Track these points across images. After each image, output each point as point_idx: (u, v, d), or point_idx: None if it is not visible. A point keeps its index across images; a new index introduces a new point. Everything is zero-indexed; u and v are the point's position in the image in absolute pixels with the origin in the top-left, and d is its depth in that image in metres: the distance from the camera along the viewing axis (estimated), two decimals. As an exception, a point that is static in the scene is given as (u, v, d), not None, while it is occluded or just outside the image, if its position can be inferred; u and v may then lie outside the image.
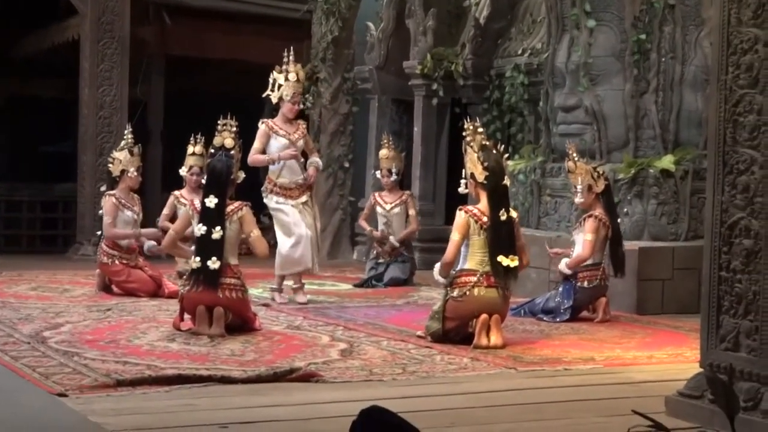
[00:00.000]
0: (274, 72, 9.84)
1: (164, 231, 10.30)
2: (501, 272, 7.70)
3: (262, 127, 9.79)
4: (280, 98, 9.76)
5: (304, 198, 9.77)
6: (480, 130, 8.05)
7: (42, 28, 15.34)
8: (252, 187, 10.01)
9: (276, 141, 9.73)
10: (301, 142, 9.81)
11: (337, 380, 6.41)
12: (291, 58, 9.88)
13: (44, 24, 15.31)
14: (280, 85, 9.75)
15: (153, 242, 10.25)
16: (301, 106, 10.22)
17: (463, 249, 7.82)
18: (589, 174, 9.21)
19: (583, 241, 9.09)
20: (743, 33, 5.30)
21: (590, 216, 9.14)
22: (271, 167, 9.76)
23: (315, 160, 9.99)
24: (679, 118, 10.39)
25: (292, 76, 9.74)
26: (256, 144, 9.72)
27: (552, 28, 10.96)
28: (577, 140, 9.93)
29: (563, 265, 9.16)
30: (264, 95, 9.92)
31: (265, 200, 9.85)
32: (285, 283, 9.90)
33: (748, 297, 5.27)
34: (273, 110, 9.95)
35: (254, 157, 9.72)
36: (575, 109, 10.61)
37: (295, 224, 9.65)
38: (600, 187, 9.20)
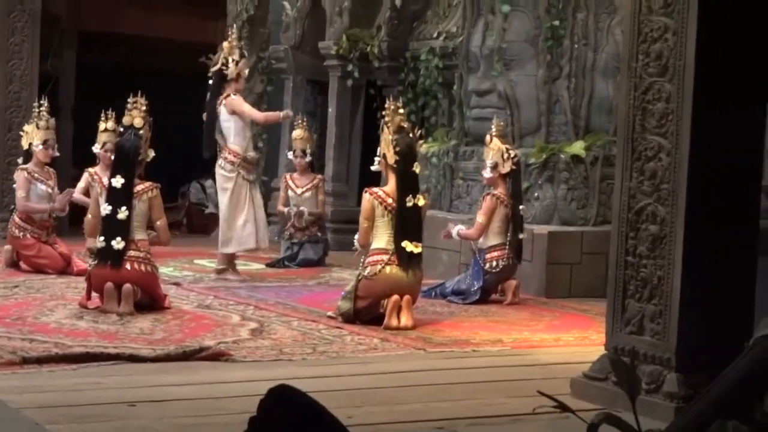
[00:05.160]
0: (225, 48, 9.98)
1: (78, 204, 10.28)
2: (405, 257, 7.76)
3: (238, 96, 9.92)
4: (238, 74, 9.92)
5: (256, 174, 10.24)
6: (401, 111, 8.09)
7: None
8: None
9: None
10: None
11: (247, 359, 6.41)
12: (236, 34, 10.24)
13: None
14: (236, 61, 9.90)
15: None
16: None
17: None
18: (500, 153, 9.27)
19: (475, 222, 9.21)
20: (654, 21, 5.39)
21: (489, 194, 9.24)
22: (239, 142, 9.87)
23: None
24: (590, 105, 10.51)
25: (246, 53, 10.15)
26: (249, 107, 10.07)
27: (467, 12, 11.01)
28: (501, 122, 9.92)
29: (455, 231, 9.30)
30: (215, 69, 9.95)
31: (225, 174, 9.90)
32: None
33: (653, 282, 5.37)
34: (217, 85, 10.03)
35: (267, 114, 10.51)
36: (489, 93, 10.68)
37: (248, 203, 9.88)
38: (505, 169, 9.26)
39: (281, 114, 10.66)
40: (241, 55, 10.03)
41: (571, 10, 10.41)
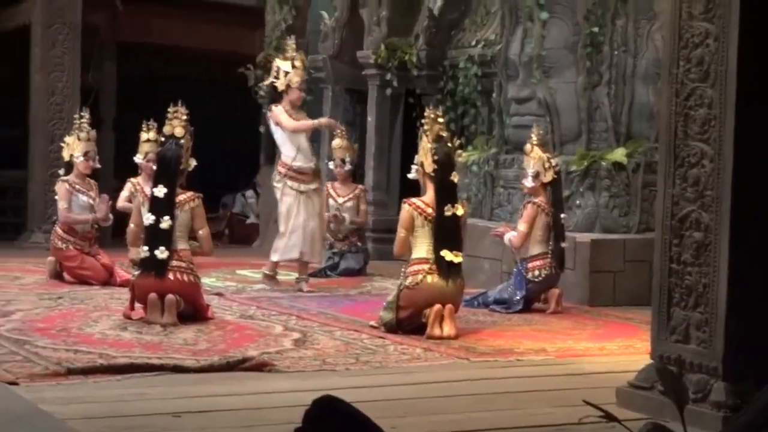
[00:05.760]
0: (277, 60, 10.16)
1: (121, 212, 10.35)
2: (444, 266, 7.74)
3: (278, 107, 9.98)
4: (288, 85, 9.95)
5: (314, 185, 10.04)
6: (440, 120, 8.08)
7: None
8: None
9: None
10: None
11: (290, 370, 6.42)
12: (294, 45, 10.25)
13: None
14: (286, 72, 9.94)
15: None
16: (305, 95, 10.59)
17: (411, 239, 7.89)
18: (541, 162, 9.25)
19: (517, 230, 9.17)
20: (694, 27, 5.36)
21: (530, 202, 9.21)
22: (286, 152, 9.96)
23: None
24: (631, 111, 10.46)
25: (299, 64, 10.01)
26: (286, 117, 9.93)
27: (505, 19, 10.99)
28: (541, 130, 9.90)
29: (508, 236, 9.27)
30: (267, 83, 10.08)
31: (274, 183, 10.10)
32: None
33: (698, 289, 5.33)
34: (273, 99, 10.17)
35: (299, 123, 9.98)
36: (528, 101, 10.65)
37: (296, 213, 9.88)
38: (547, 177, 9.24)
39: (314, 122, 10.41)
40: (293, 66, 9.97)
41: (610, 17, 10.36)
